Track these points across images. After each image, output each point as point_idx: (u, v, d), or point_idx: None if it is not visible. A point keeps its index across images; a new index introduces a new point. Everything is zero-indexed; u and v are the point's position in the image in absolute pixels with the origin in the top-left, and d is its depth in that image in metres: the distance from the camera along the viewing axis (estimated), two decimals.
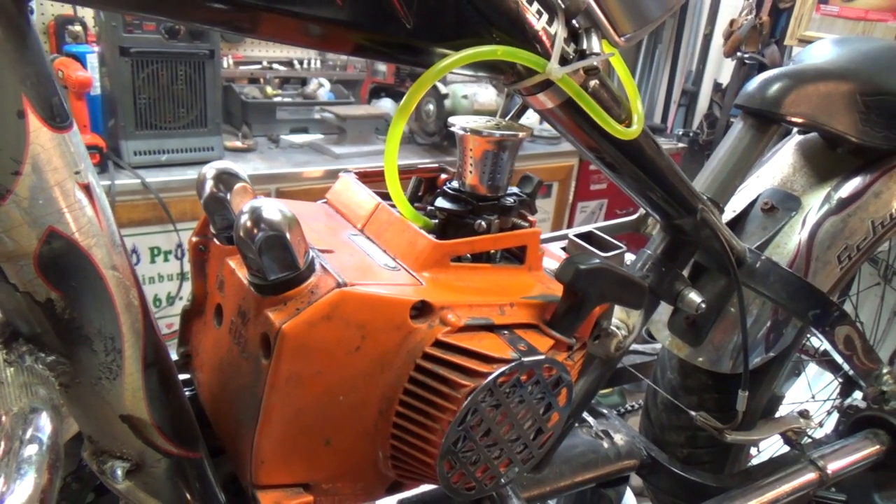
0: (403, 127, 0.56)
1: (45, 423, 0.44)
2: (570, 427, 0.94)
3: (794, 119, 0.92)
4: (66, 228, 0.44)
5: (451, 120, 0.63)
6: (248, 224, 0.49)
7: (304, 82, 2.89)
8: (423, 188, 0.75)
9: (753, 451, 1.43)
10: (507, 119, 0.68)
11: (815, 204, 1.01)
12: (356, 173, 0.69)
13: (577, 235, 0.83)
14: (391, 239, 0.61)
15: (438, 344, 0.53)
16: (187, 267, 2.01)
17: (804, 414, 1.10)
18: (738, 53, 3.38)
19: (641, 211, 1.05)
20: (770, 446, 1.39)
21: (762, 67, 3.33)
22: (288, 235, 0.49)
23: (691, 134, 3.62)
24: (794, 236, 1.01)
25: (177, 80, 2.17)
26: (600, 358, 0.90)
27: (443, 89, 2.57)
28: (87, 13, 2.40)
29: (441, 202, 0.63)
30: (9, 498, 0.40)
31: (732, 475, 1.13)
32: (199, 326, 0.64)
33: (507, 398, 0.54)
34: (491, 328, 0.56)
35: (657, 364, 1.25)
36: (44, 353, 0.47)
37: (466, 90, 2.59)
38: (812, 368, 1.65)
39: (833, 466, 1.08)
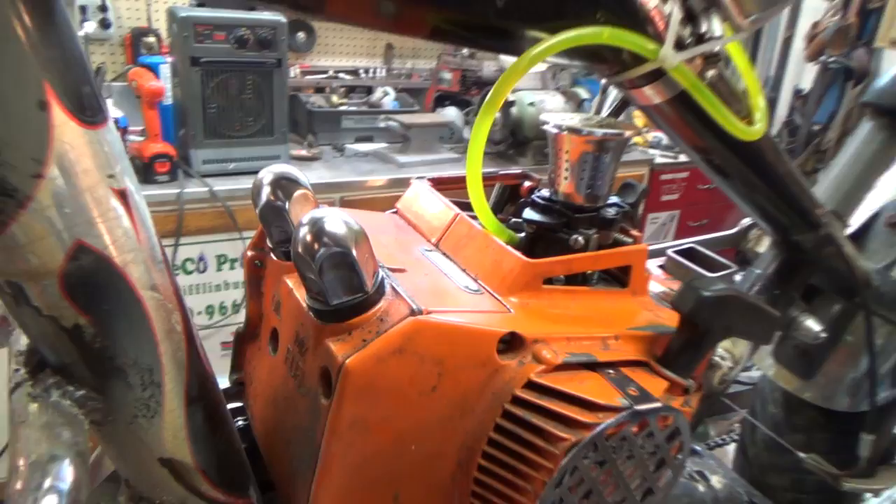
0: (489, 125, 0.47)
1: (66, 472, 0.37)
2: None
3: None
4: (97, 242, 0.37)
5: (543, 117, 0.54)
6: (308, 238, 0.41)
7: (369, 91, 2.87)
8: (501, 194, 0.66)
9: None
10: (605, 116, 0.59)
11: None
12: (430, 180, 0.61)
13: (677, 252, 0.73)
14: (472, 256, 0.52)
15: (531, 385, 0.44)
16: None
17: None
18: (822, 58, 3.16)
19: (744, 223, 0.94)
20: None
21: (848, 72, 3.10)
22: (354, 252, 0.41)
23: None
24: None
25: (245, 89, 2.17)
26: (702, 392, 0.79)
27: (509, 96, 2.48)
28: (160, 25, 2.43)
29: (530, 213, 0.54)
30: None
31: None
32: (253, 351, 0.57)
33: (614, 454, 0.44)
34: (593, 366, 0.46)
35: (755, 395, 1.13)
36: (72, 386, 0.40)
37: (534, 97, 2.50)
38: None
39: None
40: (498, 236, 0.53)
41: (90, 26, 2.32)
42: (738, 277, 0.79)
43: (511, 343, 0.45)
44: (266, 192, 0.50)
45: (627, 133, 0.52)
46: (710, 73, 0.54)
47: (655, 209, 2.84)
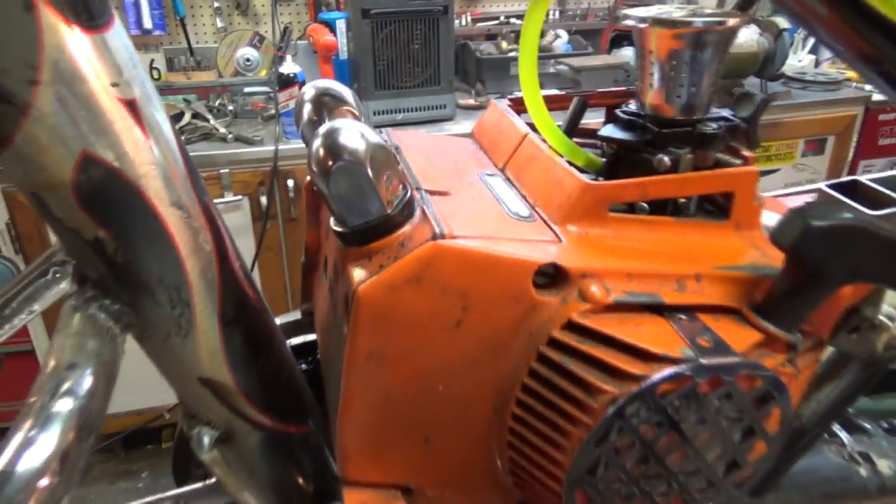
0: (543, 15, 0.39)
1: (84, 379, 0.38)
2: (809, 444, 0.69)
3: None
4: (104, 153, 0.36)
5: (624, 11, 0.45)
6: (321, 152, 0.37)
7: (541, 34, 2.75)
8: (605, 118, 0.57)
9: None
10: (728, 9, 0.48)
11: None
12: (511, 99, 0.54)
13: (833, 186, 0.58)
14: (533, 180, 0.45)
15: (571, 326, 0.37)
16: None
17: None
18: None
19: None
20: None
21: None
22: (368, 169, 0.37)
23: None
24: None
25: (413, 39, 2.20)
26: (861, 359, 0.65)
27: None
28: None
29: (609, 130, 0.46)
30: (28, 451, 0.34)
31: None
32: (318, 281, 0.56)
33: (678, 415, 0.36)
34: (659, 309, 0.38)
35: None
36: (108, 300, 0.41)
37: None
38: None
39: None
40: (571, 158, 0.45)
41: None
42: None
43: (554, 277, 0.38)
44: (307, 109, 0.47)
45: (731, 21, 0.41)
46: None
47: (870, 155, 2.42)
